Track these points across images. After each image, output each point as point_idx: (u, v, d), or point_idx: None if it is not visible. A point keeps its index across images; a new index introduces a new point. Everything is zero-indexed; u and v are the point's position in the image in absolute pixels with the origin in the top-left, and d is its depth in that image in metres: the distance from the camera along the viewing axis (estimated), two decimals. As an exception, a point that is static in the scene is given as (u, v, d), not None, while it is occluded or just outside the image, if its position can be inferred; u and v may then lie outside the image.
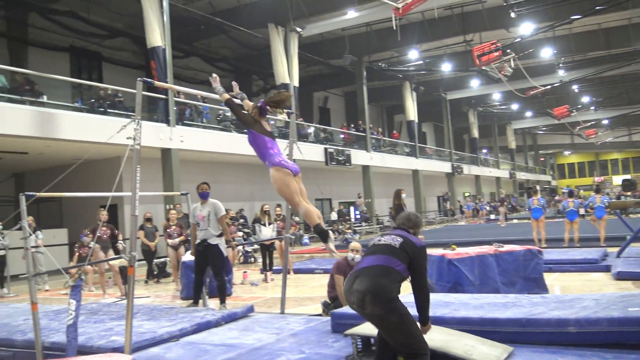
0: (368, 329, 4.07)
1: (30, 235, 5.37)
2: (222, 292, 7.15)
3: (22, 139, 12.45)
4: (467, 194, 38.77)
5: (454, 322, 4.55)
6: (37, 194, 5.26)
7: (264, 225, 10.93)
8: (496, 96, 34.90)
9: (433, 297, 4.30)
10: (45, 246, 11.26)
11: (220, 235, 7.17)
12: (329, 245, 4.20)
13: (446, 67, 26.19)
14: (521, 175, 48.14)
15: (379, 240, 3.71)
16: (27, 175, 18.39)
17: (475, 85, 31.26)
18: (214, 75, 5.18)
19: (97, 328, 5.60)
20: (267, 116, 4.72)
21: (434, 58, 26.27)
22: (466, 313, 4.74)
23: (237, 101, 4.95)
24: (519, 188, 48.14)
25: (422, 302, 3.62)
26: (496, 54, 19.57)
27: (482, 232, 18.33)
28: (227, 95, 4.81)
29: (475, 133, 38.75)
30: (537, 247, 7.85)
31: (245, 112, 4.74)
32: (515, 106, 37.42)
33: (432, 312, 3.92)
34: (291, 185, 4.34)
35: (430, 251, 7.79)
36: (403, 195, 11.23)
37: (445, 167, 33.94)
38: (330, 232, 4.24)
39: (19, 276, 10.80)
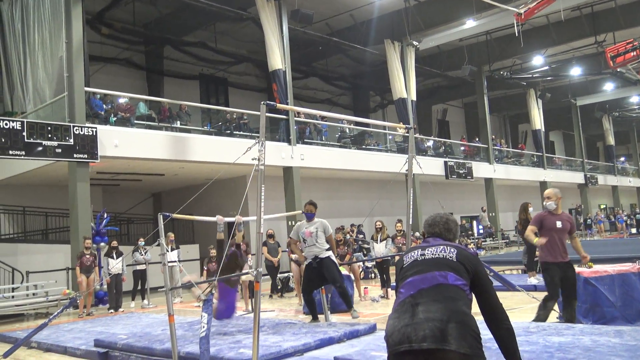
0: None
1: (167, 252, 5.80)
2: (346, 298, 7.41)
3: (160, 162, 13.58)
4: (602, 206, 35.71)
5: None
6: (172, 214, 5.69)
7: (376, 242, 10.85)
8: (634, 99, 32.04)
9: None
10: (180, 261, 12.13)
11: (328, 249, 7.39)
12: None
13: (575, 72, 24.57)
14: (667, 185, 43.56)
15: (422, 255, 2.65)
16: (163, 195, 19.96)
17: (609, 88, 28.95)
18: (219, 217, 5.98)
19: (226, 340, 5.88)
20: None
21: (561, 62, 24.72)
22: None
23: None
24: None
25: (505, 336, 2.53)
26: (633, 53, 17.99)
27: (622, 248, 16.79)
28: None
29: (611, 140, 35.61)
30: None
31: None
32: (657, 109, 34.13)
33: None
34: None
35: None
36: (530, 209, 10.63)
37: (577, 177, 31.64)
38: None
39: (157, 289, 11.68)
